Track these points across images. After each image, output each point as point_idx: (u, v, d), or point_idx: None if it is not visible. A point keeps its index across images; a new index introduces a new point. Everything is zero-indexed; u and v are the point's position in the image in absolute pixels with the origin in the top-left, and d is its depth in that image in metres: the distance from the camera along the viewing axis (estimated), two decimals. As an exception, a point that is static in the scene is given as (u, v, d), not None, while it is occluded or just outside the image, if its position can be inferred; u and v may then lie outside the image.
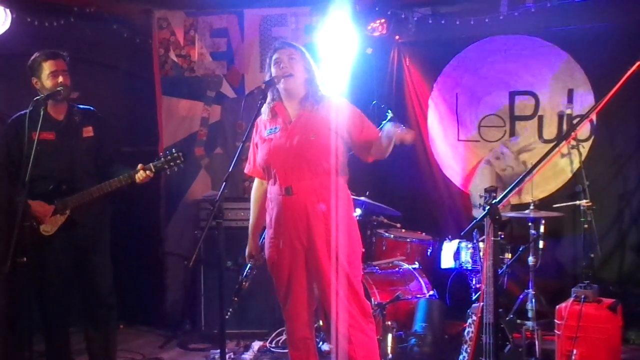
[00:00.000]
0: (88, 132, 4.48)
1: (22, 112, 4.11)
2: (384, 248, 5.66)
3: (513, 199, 5.75)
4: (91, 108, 4.60)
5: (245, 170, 4.10)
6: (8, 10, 5.01)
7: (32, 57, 4.35)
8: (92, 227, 4.47)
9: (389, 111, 5.39)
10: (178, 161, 4.35)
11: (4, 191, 4.32)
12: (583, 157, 5.46)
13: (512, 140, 6.08)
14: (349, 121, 3.78)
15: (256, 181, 4.06)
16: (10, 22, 5.04)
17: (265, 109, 3.87)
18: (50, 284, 4.38)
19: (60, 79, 4.29)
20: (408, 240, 5.66)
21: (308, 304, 3.85)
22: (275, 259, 3.85)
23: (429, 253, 5.66)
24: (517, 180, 3.46)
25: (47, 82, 4.30)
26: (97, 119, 4.57)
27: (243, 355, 5.25)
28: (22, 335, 4.11)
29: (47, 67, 4.30)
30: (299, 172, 3.74)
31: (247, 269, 4.35)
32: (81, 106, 4.55)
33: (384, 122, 5.41)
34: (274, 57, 3.82)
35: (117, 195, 4.48)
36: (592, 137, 5.73)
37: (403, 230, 5.84)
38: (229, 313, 4.55)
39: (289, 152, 3.76)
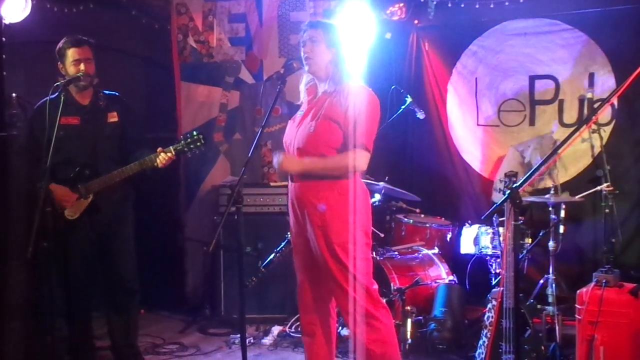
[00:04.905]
0: (113, 117, 4.49)
1: (48, 97, 4.12)
2: (403, 233, 5.65)
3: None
4: (116, 93, 4.61)
5: None
6: (28, -3, 5.03)
7: (60, 42, 4.37)
8: (115, 212, 4.49)
9: (408, 96, 5.37)
10: (198, 143, 4.32)
11: (27, 176, 4.32)
12: (604, 142, 5.40)
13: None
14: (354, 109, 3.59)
15: None
16: (30, 8, 5.05)
17: (302, 88, 3.81)
18: (74, 269, 4.42)
19: (82, 67, 4.31)
20: (427, 225, 5.65)
21: (312, 289, 3.83)
22: (292, 240, 3.89)
23: (448, 238, 5.65)
24: (537, 165, 3.43)
25: (70, 69, 4.33)
26: (122, 105, 4.58)
27: (263, 340, 5.28)
28: (45, 320, 4.13)
29: (70, 55, 4.32)
30: None
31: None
32: (107, 92, 4.56)
33: (403, 107, 5.41)
34: (300, 40, 3.75)
35: (138, 181, 4.49)
36: (614, 121, 5.66)
37: (422, 215, 5.84)
38: (251, 282, 4.83)
39: (295, 139, 3.70)
